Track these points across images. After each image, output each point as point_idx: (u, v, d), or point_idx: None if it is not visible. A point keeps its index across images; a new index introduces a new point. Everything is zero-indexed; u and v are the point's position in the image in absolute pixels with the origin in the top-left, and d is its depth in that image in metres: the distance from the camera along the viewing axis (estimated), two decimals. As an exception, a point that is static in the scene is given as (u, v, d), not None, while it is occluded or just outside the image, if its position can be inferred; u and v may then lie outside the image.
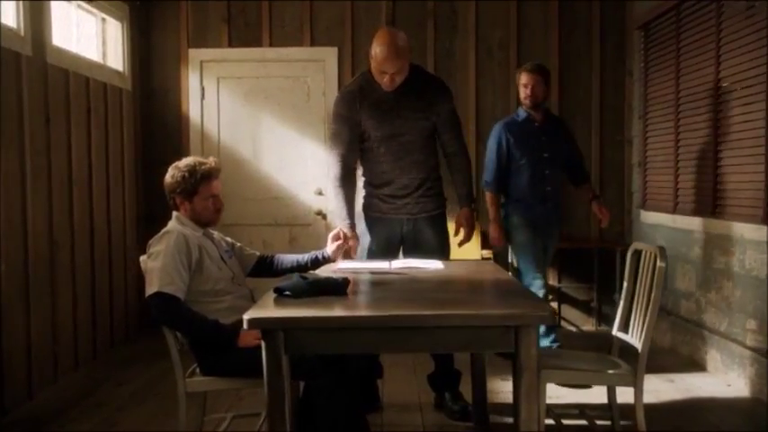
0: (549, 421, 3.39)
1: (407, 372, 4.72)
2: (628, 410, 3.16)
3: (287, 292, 2.71)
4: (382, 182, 3.89)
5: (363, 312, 2.44)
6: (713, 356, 4.65)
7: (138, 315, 5.89)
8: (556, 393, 4.02)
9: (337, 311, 2.48)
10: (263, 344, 2.39)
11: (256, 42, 6.09)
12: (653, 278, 3.06)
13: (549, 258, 4.99)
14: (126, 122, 5.72)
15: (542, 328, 4.52)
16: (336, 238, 3.46)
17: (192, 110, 6.12)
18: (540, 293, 4.54)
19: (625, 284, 3.35)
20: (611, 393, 3.34)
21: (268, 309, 2.48)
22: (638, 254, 3.28)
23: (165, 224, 5.80)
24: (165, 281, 2.89)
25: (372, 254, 3.88)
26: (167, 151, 6.10)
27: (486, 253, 5.77)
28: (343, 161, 3.84)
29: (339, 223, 3.75)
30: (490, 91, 6.04)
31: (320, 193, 6.12)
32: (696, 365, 4.79)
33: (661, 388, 4.34)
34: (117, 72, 5.63)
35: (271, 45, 6.09)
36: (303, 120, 6.14)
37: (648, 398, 3.62)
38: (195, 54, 6.11)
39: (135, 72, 5.94)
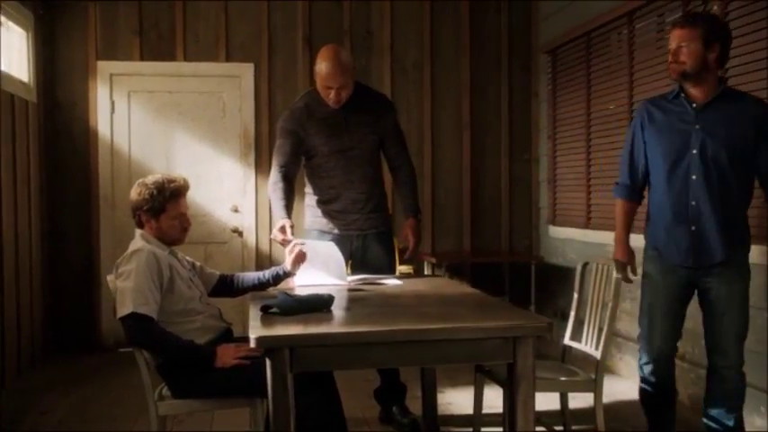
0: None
1: (346, 386, 4.72)
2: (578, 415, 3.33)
3: (274, 310, 2.69)
4: (331, 197, 3.91)
5: (371, 328, 2.45)
6: (627, 362, 4.95)
7: (43, 340, 5.57)
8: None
9: (343, 328, 2.50)
10: (267, 362, 2.37)
11: (170, 56, 5.95)
12: (605, 289, 3.28)
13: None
14: (32, 136, 5.43)
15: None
16: (282, 231, 3.50)
17: (101, 124, 5.89)
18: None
19: (576, 296, 3.54)
20: (564, 399, 3.51)
21: (273, 327, 2.45)
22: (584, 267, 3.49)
23: (72, 240, 5.67)
24: (139, 301, 2.79)
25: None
26: (74, 167, 5.87)
27: (405, 268, 5.87)
28: (283, 170, 3.81)
29: (276, 216, 3.73)
30: (404, 109, 6.17)
31: (236, 210, 6.04)
32: (610, 370, 5.08)
33: (586, 394, 4.56)
34: (22, 83, 5.34)
35: (185, 59, 5.96)
36: (219, 136, 6.04)
37: (576, 404, 3.81)
38: (104, 66, 5.89)
39: (40, 84, 5.65)
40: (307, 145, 3.85)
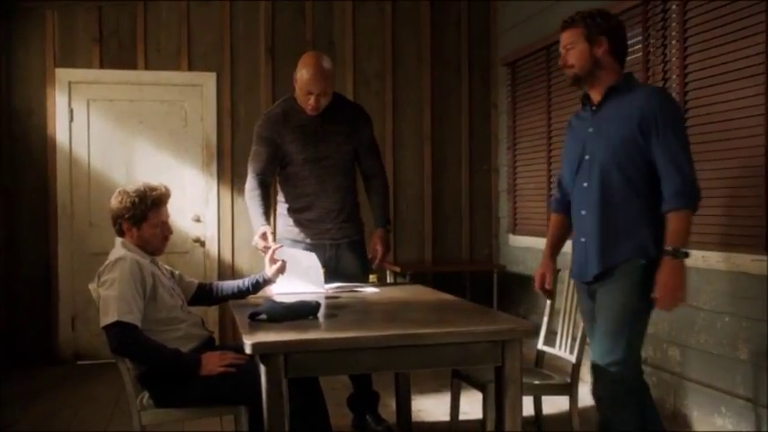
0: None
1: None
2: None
3: (262, 316, 2.71)
4: (304, 205, 3.92)
5: (363, 333, 2.49)
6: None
7: (-1, 353, 5.44)
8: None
9: (335, 333, 2.52)
10: (262, 368, 2.38)
11: (131, 65, 5.89)
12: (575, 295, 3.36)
13: None
14: (-12, 145, 5.32)
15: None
16: (264, 238, 3.52)
17: (60, 133, 5.79)
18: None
19: (549, 302, 3.63)
20: (538, 403, 3.59)
21: (267, 333, 2.46)
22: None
23: (29, 250, 5.54)
24: (124, 309, 2.77)
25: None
26: (31, 175, 5.75)
27: (371, 278, 5.87)
28: (259, 177, 3.83)
29: (256, 223, 3.73)
30: (367, 120, 6.22)
31: (198, 220, 5.99)
32: (583, 378, 5.18)
33: (558, 400, 4.66)
34: (-21, 90, 5.23)
35: (146, 68, 5.91)
36: (180, 145, 5.99)
37: (548, 409, 3.88)
38: (63, 74, 5.79)
39: (-4, 90, 5.55)
40: (282, 152, 3.86)
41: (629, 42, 4.53)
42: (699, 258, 3.92)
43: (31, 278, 5.75)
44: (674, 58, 4.16)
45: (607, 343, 2.81)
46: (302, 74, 3.73)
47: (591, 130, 2.90)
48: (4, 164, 5.66)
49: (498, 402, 2.58)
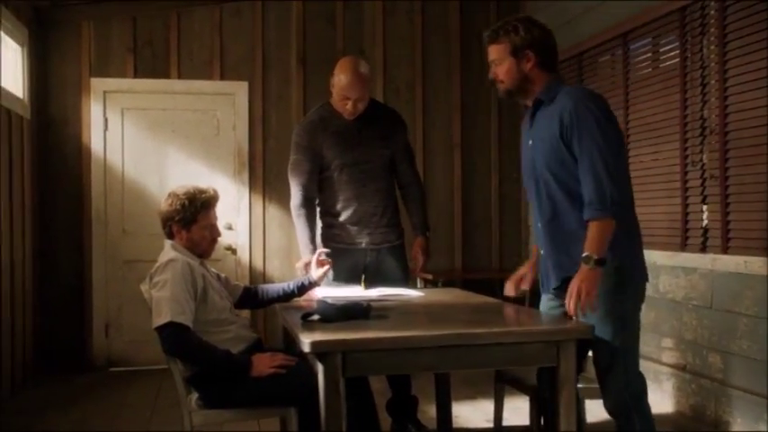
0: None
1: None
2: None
3: (314, 317, 2.72)
4: (343, 210, 3.91)
5: (420, 332, 2.49)
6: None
7: (33, 360, 5.47)
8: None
9: (392, 332, 2.53)
10: (319, 367, 2.39)
11: (164, 74, 5.95)
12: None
13: None
14: (26, 153, 5.37)
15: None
16: (308, 266, 3.51)
17: (94, 141, 5.85)
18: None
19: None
20: (581, 407, 3.56)
21: (324, 332, 2.47)
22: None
23: (63, 258, 5.59)
24: (177, 310, 2.79)
25: (334, 285, 3.90)
26: (66, 184, 5.81)
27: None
28: (304, 190, 3.85)
29: (304, 249, 3.76)
30: (397, 128, 6.24)
31: (230, 228, 6.01)
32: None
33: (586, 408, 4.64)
34: (18, 99, 5.29)
35: (179, 77, 5.96)
36: (212, 154, 6.04)
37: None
38: (98, 83, 5.85)
39: (33, 100, 5.60)
40: (320, 158, 3.88)
41: (666, 48, 4.59)
42: (741, 263, 3.91)
43: (65, 285, 5.80)
44: (712, 63, 4.16)
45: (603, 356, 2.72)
46: (339, 79, 3.75)
47: (530, 143, 2.85)
48: (40, 172, 5.71)
49: (553, 404, 2.57)
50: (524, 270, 3.11)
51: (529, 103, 2.86)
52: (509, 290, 3.06)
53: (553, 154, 2.71)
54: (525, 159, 2.90)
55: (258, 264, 6.07)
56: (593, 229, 2.59)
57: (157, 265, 2.94)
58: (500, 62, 2.81)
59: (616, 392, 2.69)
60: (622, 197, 2.63)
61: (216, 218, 3.12)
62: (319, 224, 4.02)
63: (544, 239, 2.82)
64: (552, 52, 2.85)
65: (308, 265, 3.52)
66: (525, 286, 3.10)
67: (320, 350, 2.36)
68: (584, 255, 2.58)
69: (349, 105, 3.76)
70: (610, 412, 2.77)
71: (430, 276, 5.83)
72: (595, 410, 3.50)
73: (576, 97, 2.70)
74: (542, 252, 2.87)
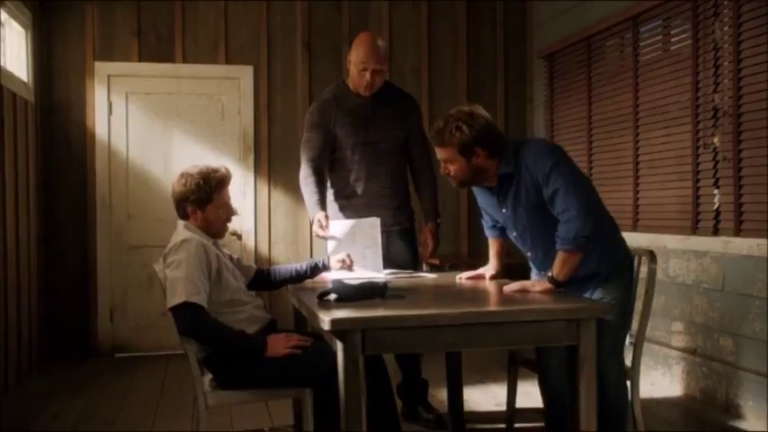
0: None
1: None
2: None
3: (331, 296, 2.69)
4: (354, 190, 3.88)
5: (440, 311, 2.47)
6: (644, 361, 5.01)
7: (39, 345, 5.44)
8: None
9: (411, 310, 2.50)
10: (339, 345, 2.36)
11: (168, 58, 5.90)
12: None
13: None
14: (30, 136, 5.32)
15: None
16: (320, 225, 3.54)
17: (99, 125, 5.80)
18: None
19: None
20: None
21: (343, 311, 2.45)
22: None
23: (68, 243, 5.55)
24: (191, 291, 2.76)
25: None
26: (70, 168, 5.77)
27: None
28: (314, 164, 3.81)
29: (312, 208, 3.73)
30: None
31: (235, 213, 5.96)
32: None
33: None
34: (22, 82, 5.24)
35: (184, 61, 5.92)
36: (217, 138, 6.00)
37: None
38: (102, 67, 5.80)
39: (37, 84, 5.55)
40: (333, 136, 3.84)
41: (677, 30, 4.56)
42: (754, 246, 3.89)
43: (70, 271, 5.77)
44: (726, 45, 4.13)
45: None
46: (357, 51, 3.73)
47: (505, 211, 3.00)
48: (44, 156, 5.67)
49: (573, 382, 2.55)
50: (480, 273, 3.41)
51: (488, 182, 2.99)
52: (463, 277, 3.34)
53: (538, 213, 2.88)
54: (500, 218, 3.10)
55: (263, 248, 6.04)
56: (561, 258, 2.78)
57: (171, 245, 2.90)
58: (450, 161, 2.92)
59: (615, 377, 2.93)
60: (592, 226, 2.76)
61: (229, 197, 3.08)
62: (329, 207, 3.99)
63: (543, 263, 3.01)
64: (498, 137, 2.93)
65: (320, 224, 3.55)
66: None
67: (340, 328, 2.34)
68: (549, 275, 2.80)
69: (367, 75, 3.72)
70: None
71: (437, 261, 5.81)
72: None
73: (533, 154, 2.86)
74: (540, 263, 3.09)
